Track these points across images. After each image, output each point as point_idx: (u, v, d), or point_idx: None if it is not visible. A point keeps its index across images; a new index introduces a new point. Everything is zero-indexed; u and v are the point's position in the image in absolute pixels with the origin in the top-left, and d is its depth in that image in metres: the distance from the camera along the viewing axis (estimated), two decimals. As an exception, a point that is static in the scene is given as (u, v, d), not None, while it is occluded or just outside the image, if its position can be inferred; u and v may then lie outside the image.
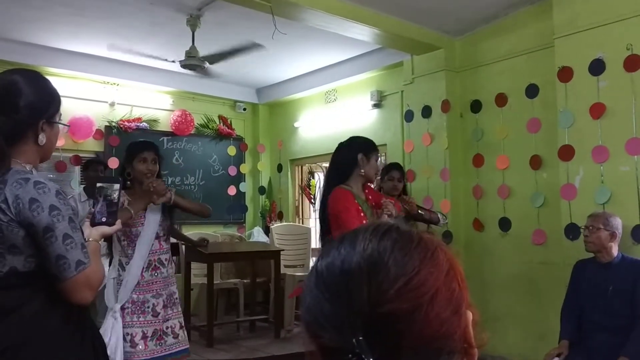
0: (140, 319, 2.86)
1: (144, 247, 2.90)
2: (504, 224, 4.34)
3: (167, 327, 2.94)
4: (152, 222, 2.94)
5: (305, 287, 0.66)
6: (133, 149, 3.01)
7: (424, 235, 0.66)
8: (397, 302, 0.58)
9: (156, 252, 2.96)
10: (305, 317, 0.65)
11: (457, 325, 0.61)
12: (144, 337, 2.84)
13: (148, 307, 2.88)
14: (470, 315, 0.65)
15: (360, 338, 0.57)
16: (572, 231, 3.60)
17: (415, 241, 0.64)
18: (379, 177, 3.83)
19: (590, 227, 3.01)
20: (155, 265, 2.95)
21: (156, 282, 2.93)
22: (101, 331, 2.72)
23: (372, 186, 3.08)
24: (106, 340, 2.62)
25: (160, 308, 2.92)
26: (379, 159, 2.94)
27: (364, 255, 0.62)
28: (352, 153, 2.82)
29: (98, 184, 1.64)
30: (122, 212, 2.78)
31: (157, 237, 2.97)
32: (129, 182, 2.96)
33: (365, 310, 0.58)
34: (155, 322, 2.89)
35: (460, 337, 0.62)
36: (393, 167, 3.93)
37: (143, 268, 2.89)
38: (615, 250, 2.99)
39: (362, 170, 2.79)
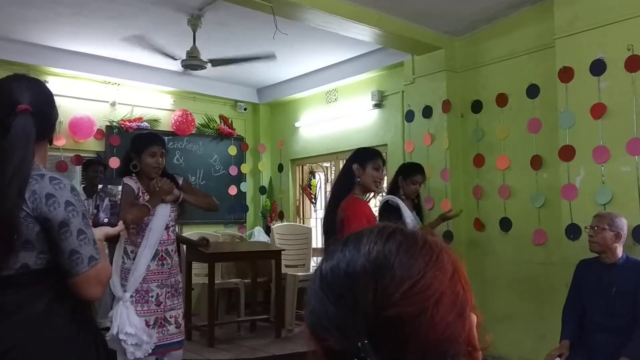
0: (144, 308, 2.88)
1: (153, 237, 2.92)
2: (505, 224, 4.34)
3: (170, 316, 2.97)
4: (161, 213, 2.96)
5: (310, 289, 0.66)
6: (141, 141, 3.02)
7: (429, 237, 0.66)
8: (403, 305, 0.58)
9: (164, 242, 2.99)
10: (310, 319, 0.64)
11: (462, 329, 0.61)
12: (147, 325, 2.87)
13: (152, 297, 2.91)
14: (474, 318, 0.65)
15: (365, 341, 0.57)
16: (572, 231, 3.60)
17: (420, 244, 0.64)
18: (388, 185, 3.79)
19: (595, 228, 3.00)
20: (162, 255, 2.97)
21: (162, 272, 2.96)
22: (111, 318, 2.81)
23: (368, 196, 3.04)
24: (114, 328, 2.69)
25: (164, 297, 2.95)
26: (381, 168, 2.88)
27: (369, 257, 0.62)
28: (348, 164, 2.87)
29: (101, 185, 1.65)
30: (140, 209, 2.82)
31: (166, 227, 3.00)
32: (134, 174, 2.98)
33: (370, 313, 0.58)
34: (157, 311, 2.92)
35: (465, 340, 0.62)
36: (418, 171, 3.84)
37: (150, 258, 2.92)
38: (620, 251, 2.98)
39: (358, 179, 2.80)
